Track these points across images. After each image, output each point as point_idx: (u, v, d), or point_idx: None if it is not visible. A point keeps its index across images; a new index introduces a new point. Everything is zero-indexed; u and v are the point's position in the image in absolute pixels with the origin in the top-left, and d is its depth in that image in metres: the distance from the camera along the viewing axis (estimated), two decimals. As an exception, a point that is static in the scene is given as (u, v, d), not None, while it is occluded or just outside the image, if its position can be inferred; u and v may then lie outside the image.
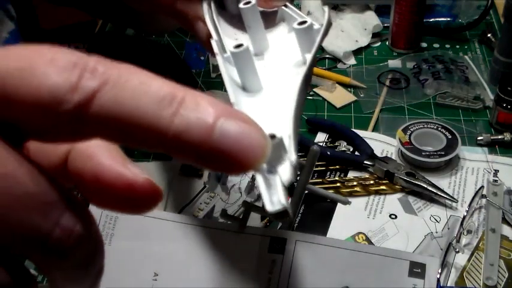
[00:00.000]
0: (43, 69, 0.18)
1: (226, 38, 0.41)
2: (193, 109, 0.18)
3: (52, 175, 0.19)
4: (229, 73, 0.34)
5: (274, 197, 0.22)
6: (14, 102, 0.18)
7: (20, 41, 0.68)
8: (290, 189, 0.56)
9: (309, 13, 0.87)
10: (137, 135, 0.18)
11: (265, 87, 0.34)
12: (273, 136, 0.23)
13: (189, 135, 0.18)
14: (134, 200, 0.20)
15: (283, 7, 0.42)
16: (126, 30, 0.93)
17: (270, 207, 0.21)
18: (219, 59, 0.35)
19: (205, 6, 0.44)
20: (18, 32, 0.67)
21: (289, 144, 0.25)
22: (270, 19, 0.43)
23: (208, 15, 0.43)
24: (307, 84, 0.33)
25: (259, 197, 0.62)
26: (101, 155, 0.21)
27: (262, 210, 0.58)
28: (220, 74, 0.81)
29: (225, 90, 0.85)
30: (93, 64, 0.18)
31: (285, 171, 0.23)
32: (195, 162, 0.19)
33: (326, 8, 0.38)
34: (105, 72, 0.18)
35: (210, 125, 0.18)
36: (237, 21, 0.42)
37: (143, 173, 0.20)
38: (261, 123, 0.29)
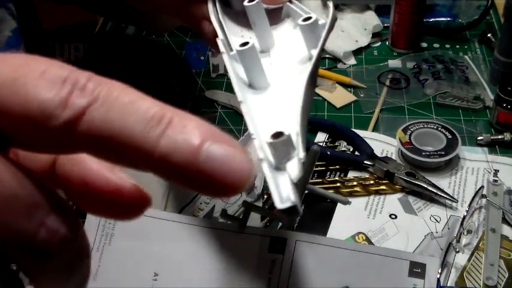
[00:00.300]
0: (34, 82, 0.18)
1: (232, 36, 0.41)
2: (180, 131, 0.19)
3: (40, 179, 0.20)
4: (235, 71, 0.34)
5: (283, 194, 0.22)
6: (4, 113, 0.18)
7: (22, 40, 0.68)
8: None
9: (309, 13, 0.87)
10: (123, 154, 0.19)
11: (272, 84, 0.34)
12: (280, 133, 0.23)
13: (175, 156, 0.18)
14: (121, 205, 0.20)
15: (288, 3, 0.42)
16: (127, 29, 0.94)
17: (279, 204, 0.21)
18: (225, 58, 0.35)
19: (210, 5, 0.44)
20: (19, 30, 0.67)
21: (297, 141, 0.25)
22: (275, 15, 0.43)
23: (214, 14, 0.43)
24: (314, 79, 0.33)
25: (259, 197, 0.62)
26: (89, 160, 0.21)
27: (262, 210, 0.58)
28: (220, 74, 0.82)
29: (225, 90, 0.85)
30: (83, 80, 0.19)
31: (293, 168, 0.23)
32: (180, 184, 0.19)
33: (331, 3, 0.38)
34: (95, 89, 0.18)
35: (196, 148, 0.18)
36: (242, 17, 0.42)
37: (130, 178, 0.21)
38: (269, 120, 0.30)
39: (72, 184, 0.21)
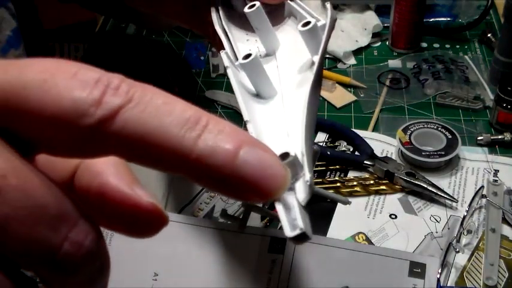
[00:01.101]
0: (66, 82, 0.18)
1: (238, 43, 0.40)
2: (217, 134, 0.19)
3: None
4: (241, 85, 0.33)
5: (292, 220, 0.21)
6: (34, 113, 0.18)
7: (22, 40, 0.68)
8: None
9: (309, 12, 0.87)
10: (158, 155, 0.18)
11: (279, 90, 0.34)
12: (287, 154, 0.23)
13: (213, 159, 0.18)
14: (137, 222, 0.20)
15: (289, 1, 0.42)
16: (127, 28, 0.93)
17: (288, 232, 0.21)
18: (230, 73, 0.34)
19: (214, 14, 0.44)
20: (19, 30, 0.67)
21: (303, 161, 0.24)
22: (278, 14, 0.43)
23: (218, 23, 0.42)
24: (318, 86, 0.33)
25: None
26: (109, 173, 0.21)
27: (262, 210, 0.57)
28: (220, 74, 0.82)
29: (225, 90, 0.84)
30: (116, 82, 0.18)
31: (301, 190, 0.23)
32: (214, 188, 0.19)
33: (328, 5, 0.38)
34: (129, 90, 0.18)
35: (233, 152, 0.18)
36: (246, 19, 0.42)
37: (149, 196, 0.20)
38: (276, 137, 0.29)
39: (90, 197, 0.21)
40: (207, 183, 0.19)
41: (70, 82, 0.18)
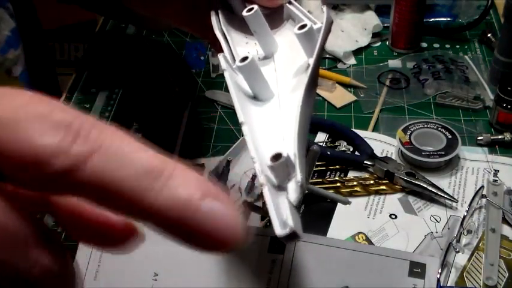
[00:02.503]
0: (36, 126, 0.18)
1: (236, 47, 0.40)
2: (178, 187, 0.19)
3: (31, 201, 0.19)
4: (237, 87, 0.33)
5: (282, 219, 0.21)
6: (3, 153, 0.18)
7: (20, 40, 0.68)
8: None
9: (309, 12, 0.87)
10: (119, 205, 0.19)
11: (276, 92, 0.34)
12: (279, 155, 0.23)
13: (171, 212, 0.19)
14: (108, 237, 0.21)
15: (287, 4, 0.42)
16: (127, 29, 0.93)
17: (278, 231, 0.21)
18: (226, 75, 0.35)
19: (213, 18, 0.44)
20: (17, 30, 0.67)
21: (295, 162, 0.25)
22: (277, 18, 0.43)
23: (217, 27, 0.43)
24: (313, 88, 0.33)
25: (259, 197, 0.62)
26: None
27: (262, 210, 0.58)
28: (220, 74, 0.82)
29: (225, 90, 0.84)
30: (87, 127, 0.18)
31: (292, 190, 0.23)
32: (173, 237, 0.20)
33: (325, 8, 0.38)
34: (98, 138, 0.18)
35: (194, 204, 0.19)
36: (245, 23, 0.42)
37: None
38: (270, 138, 0.29)
39: (62, 211, 0.21)
40: (168, 233, 0.19)
41: (41, 126, 0.18)
